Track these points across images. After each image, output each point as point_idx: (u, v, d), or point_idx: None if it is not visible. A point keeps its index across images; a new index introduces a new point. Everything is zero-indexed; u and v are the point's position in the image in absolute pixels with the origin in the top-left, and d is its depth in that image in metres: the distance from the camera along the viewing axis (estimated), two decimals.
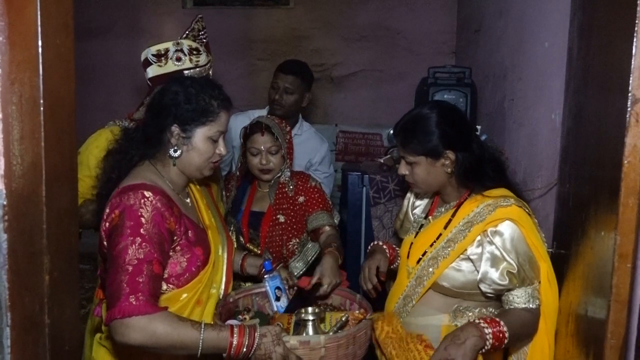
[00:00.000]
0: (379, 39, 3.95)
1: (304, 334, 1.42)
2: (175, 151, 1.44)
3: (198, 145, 1.44)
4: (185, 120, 1.42)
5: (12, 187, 0.93)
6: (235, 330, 1.27)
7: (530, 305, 1.40)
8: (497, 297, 1.46)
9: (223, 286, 1.54)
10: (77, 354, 1.10)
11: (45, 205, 0.96)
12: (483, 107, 2.70)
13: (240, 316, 1.58)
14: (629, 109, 1.02)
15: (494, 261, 1.41)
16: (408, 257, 1.58)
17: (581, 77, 1.44)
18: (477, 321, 1.34)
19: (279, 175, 2.02)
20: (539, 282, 1.42)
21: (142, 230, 1.27)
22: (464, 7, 3.66)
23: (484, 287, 1.43)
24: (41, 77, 0.93)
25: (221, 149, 1.49)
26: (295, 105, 2.60)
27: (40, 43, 0.92)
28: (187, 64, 1.96)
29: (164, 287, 1.36)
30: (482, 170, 1.50)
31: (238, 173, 2.11)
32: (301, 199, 2.03)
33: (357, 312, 1.54)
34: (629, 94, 1.02)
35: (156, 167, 1.46)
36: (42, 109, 0.94)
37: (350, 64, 3.99)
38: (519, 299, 1.40)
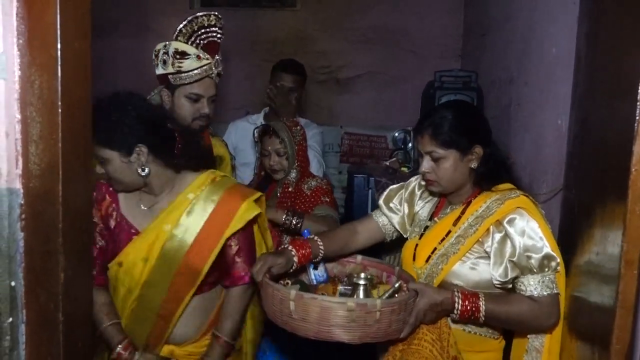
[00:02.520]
0: (385, 41, 3.96)
1: (355, 297, 1.44)
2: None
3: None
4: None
5: (30, 187, 0.95)
6: None
7: (536, 293, 1.39)
8: (510, 289, 1.46)
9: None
10: (89, 351, 1.12)
11: (62, 205, 0.98)
12: (489, 112, 2.70)
13: (282, 281, 1.59)
14: (637, 118, 1.03)
15: (501, 249, 1.42)
16: (414, 259, 1.58)
17: (588, 84, 1.45)
18: (456, 293, 1.41)
19: (285, 175, 2.10)
20: (554, 271, 1.40)
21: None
22: (471, 10, 3.67)
23: (492, 279, 1.44)
24: (59, 80, 0.95)
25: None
26: (297, 103, 2.65)
27: (59, 46, 0.94)
28: (170, 69, 1.80)
29: None
30: (498, 169, 1.52)
31: (257, 171, 2.23)
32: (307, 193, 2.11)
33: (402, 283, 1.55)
34: (637, 103, 1.04)
35: None
36: (60, 110, 0.96)
37: (355, 66, 4.00)
38: (524, 287, 1.41)
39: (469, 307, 1.40)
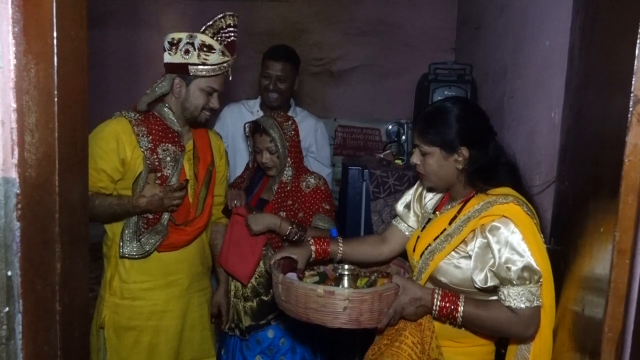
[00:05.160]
0: (380, 34, 3.96)
1: (340, 287, 1.54)
2: None
3: None
4: None
5: (26, 176, 0.95)
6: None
7: (515, 305, 1.37)
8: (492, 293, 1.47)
9: None
10: (86, 341, 1.11)
11: (58, 194, 0.97)
12: (482, 104, 2.71)
13: (305, 271, 1.69)
14: (630, 109, 1.04)
15: (483, 255, 1.42)
16: (414, 250, 1.60)
17: (582, 76, 1.46)
18: (436, 291, 1.44)
19: (280, 172, 2.08)
20: (537, 284, 1.39)
21: None
22: (465, 3, 3.68)
23: (472, 282, 1.45)
24: (56, 69, 0.94)
25: None
26: (288, 92, 2.60)
27: (55, 34, 0.93)
28: (194, 59, 1.85)
29: None
30: (493, 173, 1.49)
31: (251, 164, 2.20)
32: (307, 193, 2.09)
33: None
34: (631, 94, 1.04)
35: None
36: (56, 99, 0.95)
37: (350, 59, 4.01)
38: (504, 297, 1.40)
39: (447, 306, 1.41)
